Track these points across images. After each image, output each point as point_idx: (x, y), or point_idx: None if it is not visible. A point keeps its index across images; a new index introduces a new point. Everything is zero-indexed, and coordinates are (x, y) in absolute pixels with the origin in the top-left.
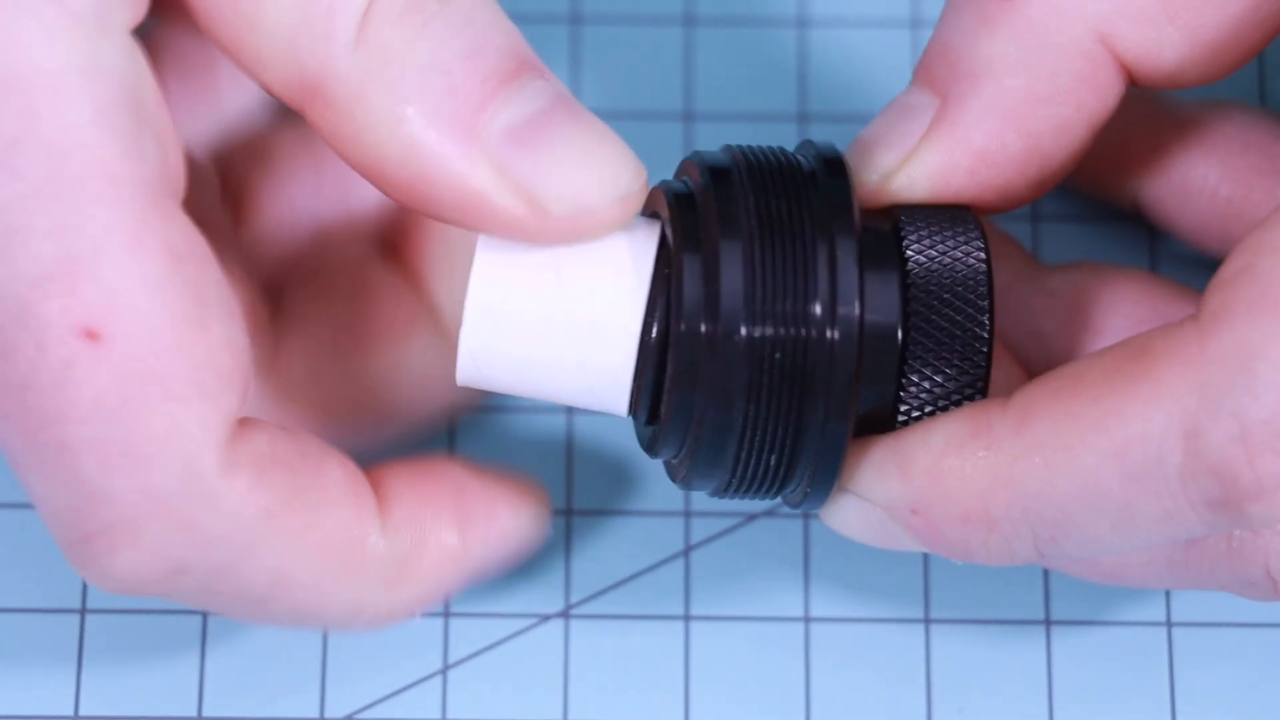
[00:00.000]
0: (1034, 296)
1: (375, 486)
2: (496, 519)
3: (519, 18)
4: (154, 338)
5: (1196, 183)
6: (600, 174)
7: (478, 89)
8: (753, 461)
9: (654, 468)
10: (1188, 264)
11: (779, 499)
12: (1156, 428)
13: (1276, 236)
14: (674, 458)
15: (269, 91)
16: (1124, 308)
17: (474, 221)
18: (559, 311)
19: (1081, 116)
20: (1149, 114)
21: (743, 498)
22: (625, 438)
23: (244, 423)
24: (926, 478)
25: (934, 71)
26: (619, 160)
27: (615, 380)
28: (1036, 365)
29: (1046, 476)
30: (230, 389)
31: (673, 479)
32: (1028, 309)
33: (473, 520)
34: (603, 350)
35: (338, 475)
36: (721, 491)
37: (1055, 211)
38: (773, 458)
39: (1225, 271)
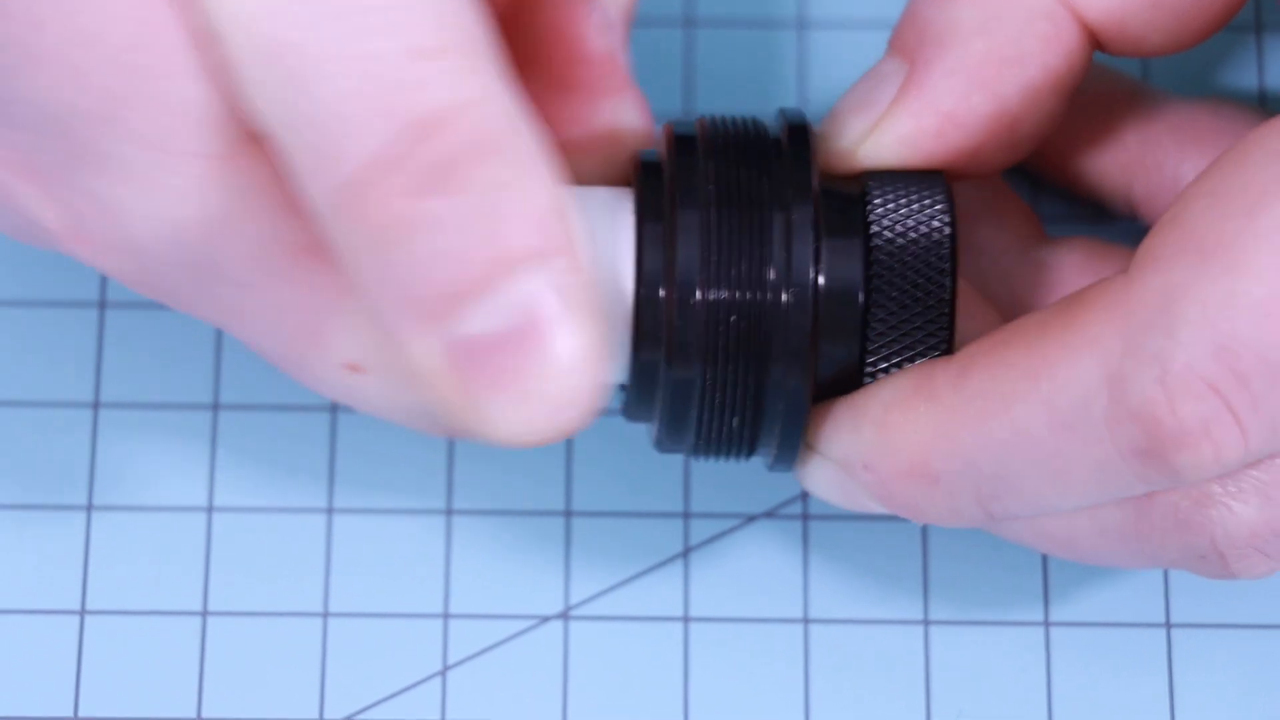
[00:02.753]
0: (1021, 264)
1: None
2: None
3: None
4: None
5: (1189, 180)
6: (542, 415)
7: (464, 282)
8: (715, 422)
9: (653, 469)
10: None
11: (755, 461)
12: (1083, 374)
13: (1202, 186)
14: (647, 420)
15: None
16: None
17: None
18: None
19: (1048, 79)
20: (1140, 112)
21: (716, 459)
22: (625, 438)
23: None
24: (873, 430)
25: (904, 39)
26: (570, 392)
27: (615, 348)
28: None
29: (981, 428)
30: None
31: (651, 442)
32: (1013, 275)
33: None
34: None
35: None
36: (692, 452)
37: (1055, 212)
38: (735, 419)
39: (1156, 225)
